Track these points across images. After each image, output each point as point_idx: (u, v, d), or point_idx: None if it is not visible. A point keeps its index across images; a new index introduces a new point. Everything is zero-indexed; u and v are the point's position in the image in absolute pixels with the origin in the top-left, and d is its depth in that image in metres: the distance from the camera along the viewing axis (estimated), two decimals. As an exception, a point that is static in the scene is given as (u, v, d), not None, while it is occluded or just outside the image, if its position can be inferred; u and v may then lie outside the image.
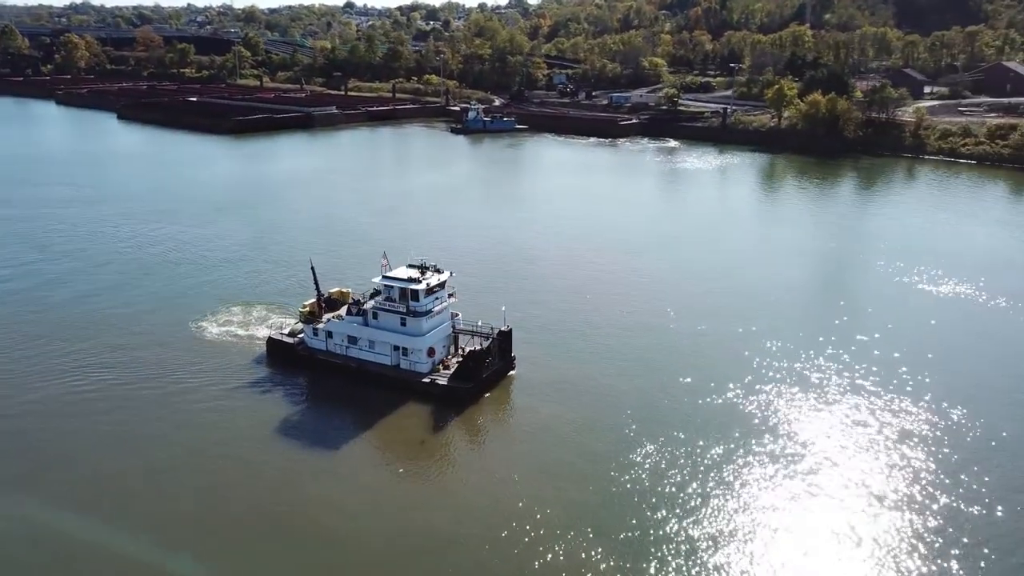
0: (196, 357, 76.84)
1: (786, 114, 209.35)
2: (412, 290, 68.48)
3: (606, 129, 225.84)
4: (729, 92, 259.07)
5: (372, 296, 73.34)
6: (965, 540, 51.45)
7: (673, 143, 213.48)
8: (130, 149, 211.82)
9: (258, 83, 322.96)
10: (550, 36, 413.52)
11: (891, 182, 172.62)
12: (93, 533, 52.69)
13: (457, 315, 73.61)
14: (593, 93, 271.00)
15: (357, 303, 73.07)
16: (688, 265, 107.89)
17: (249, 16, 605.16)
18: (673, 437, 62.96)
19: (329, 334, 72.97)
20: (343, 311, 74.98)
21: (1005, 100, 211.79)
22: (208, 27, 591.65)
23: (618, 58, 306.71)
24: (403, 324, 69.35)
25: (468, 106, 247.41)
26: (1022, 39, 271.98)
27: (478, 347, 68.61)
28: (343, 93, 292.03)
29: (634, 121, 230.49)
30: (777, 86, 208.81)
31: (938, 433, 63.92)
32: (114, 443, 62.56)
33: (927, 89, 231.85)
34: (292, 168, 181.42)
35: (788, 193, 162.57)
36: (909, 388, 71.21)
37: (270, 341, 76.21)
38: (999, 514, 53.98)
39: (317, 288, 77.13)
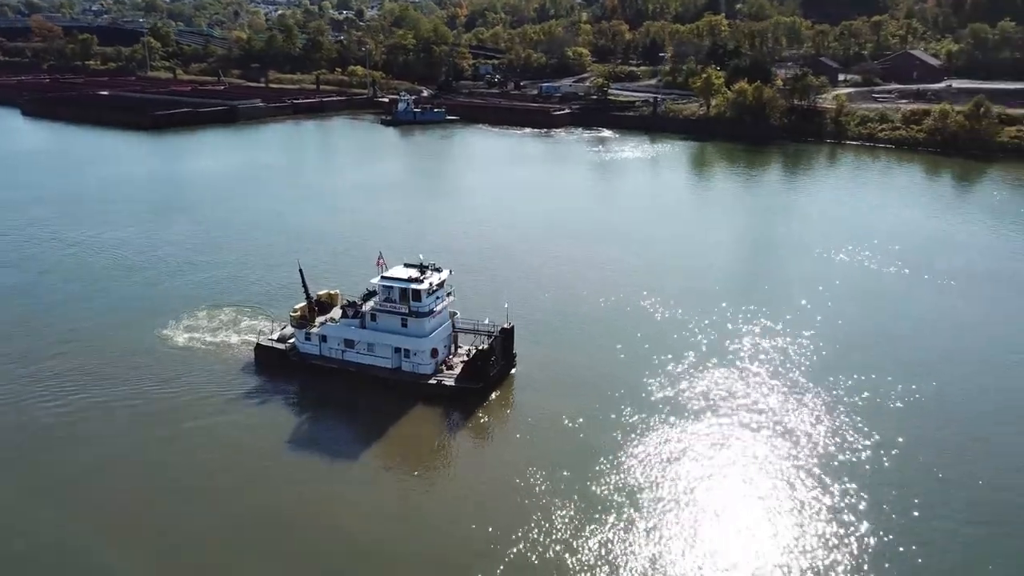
0: (174, 369, 73.46)
1: (714, 102, 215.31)
2: (414, 290, 67.09)
3: (540, 119, 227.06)
4: (654, 81, 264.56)
5: (366, 297, 71.71)
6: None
7: (607, 133, 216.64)
8: (42, 148, 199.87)
9: (171, 75, 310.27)
10: (468, 25, 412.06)
11: (816, 167, 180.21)
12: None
13: (456, 314, 72.82)
14: (521, 83, 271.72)
15: (353, 305, 71.13)
16: (654, 254, 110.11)
17: (150, 5, 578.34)
18: (685, 426, 64.67)
19: (323, 338, 70.93)
20: (334, 314, 73.24)
21: (914, 87, 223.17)
22: (105, 16, 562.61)
23: (541, 48, 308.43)
24: (404, 325, 67.99)
25: (398, 97, 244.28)
26: (923, 28, 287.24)
27: (480, 346, 67.81)
28: (264, 85, 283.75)
29: (567, 111, 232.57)
30: (705, 75, 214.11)
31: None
32: (107, 469, 59.38)
33: (840, 77, 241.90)
34: (224, 164, 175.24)
35: (727, 180, 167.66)
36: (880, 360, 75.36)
37: (259, 348, 73.57)
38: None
39: (306, 291, 74.87)
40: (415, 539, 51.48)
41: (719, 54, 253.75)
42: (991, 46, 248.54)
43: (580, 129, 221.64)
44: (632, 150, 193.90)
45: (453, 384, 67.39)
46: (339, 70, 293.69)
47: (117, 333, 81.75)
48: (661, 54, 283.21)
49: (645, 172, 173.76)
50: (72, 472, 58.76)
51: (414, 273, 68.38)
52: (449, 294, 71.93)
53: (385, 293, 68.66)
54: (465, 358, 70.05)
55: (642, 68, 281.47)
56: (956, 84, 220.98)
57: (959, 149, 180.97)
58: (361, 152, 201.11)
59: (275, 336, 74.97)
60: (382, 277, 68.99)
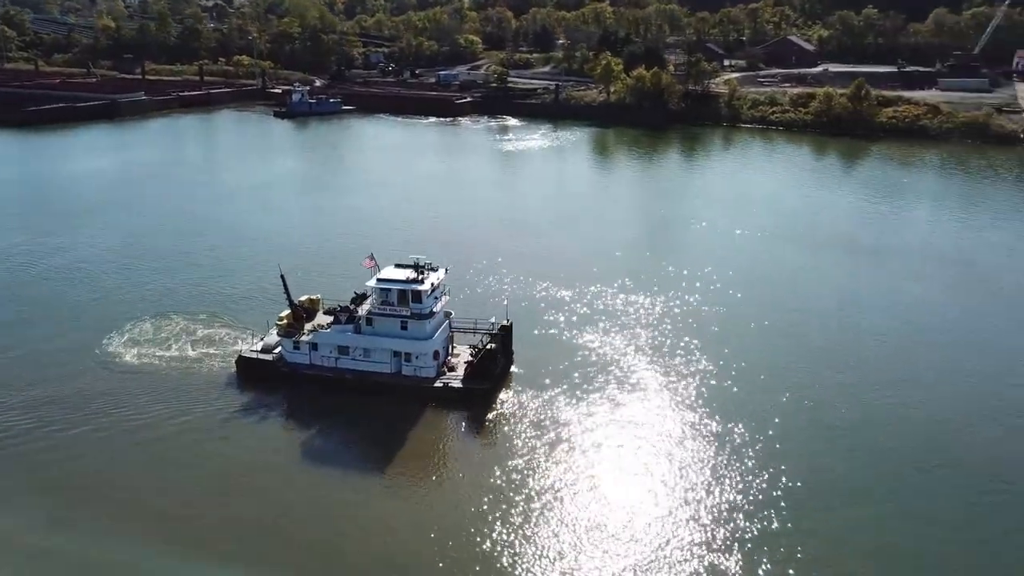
0: (141, 392, 68.55)
1: (613, 89, 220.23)
2: (414, 291, 65.13)
3: (443, 108, 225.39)
4: (547, 68, 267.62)
5: (356, 301, 69.14)
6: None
7: (512, 121, 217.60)
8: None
9: (33, 67, 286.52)
10: (348, 12, 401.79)
11: (714, 149, 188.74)
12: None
13: (451, 314, 71.34)
14: (417, 71, 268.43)
15: (347, 310, 68.16)
16: (599, 241, 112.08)
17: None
18: (695, 420, 66.80)
19: (314, 346, 67.87)
20: (321, 320, 70.41)
21: (795, 71, 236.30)
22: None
23: (426, 35, 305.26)
24: (404, 328, 65.80)
25: (291, 88, 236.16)
26: (795, 15, 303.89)
27: (488, 345, 66.77)
28: (141, 77, 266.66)
29: (468, 99, 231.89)
30: (605, 62, 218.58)
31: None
32: (103, 501, 55.64)
33: (726, 62, 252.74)
34: (118, 164, 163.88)
35: (636, 164, 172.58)
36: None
37: (241, 360, 69.74)
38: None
39: (289, 298, 71.68)
40: (440, 551, 50.45)
41: (611, 41, 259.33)
42: (857, 32, 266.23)
43: (485, 117, 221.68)
44: (541, 138, 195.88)
45: (460, 386, 66.12)
46: (223, 60, 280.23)
47: (57, 357, 75.17)
48: (561, 41, 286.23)
49: (558, 160, 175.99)
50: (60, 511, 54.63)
51: (410, 273, 66.39)
52: (445, 294, 70.44)
53: (382, 296, 66.28)
54: (468, 358, 68.76)
55: (535, 55, 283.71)
56: (832, 68, 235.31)
57: (844, 130, 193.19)
58: (263, 146, 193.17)
59: (258, 347, 71.19)
60: (378, 279, 66.54)
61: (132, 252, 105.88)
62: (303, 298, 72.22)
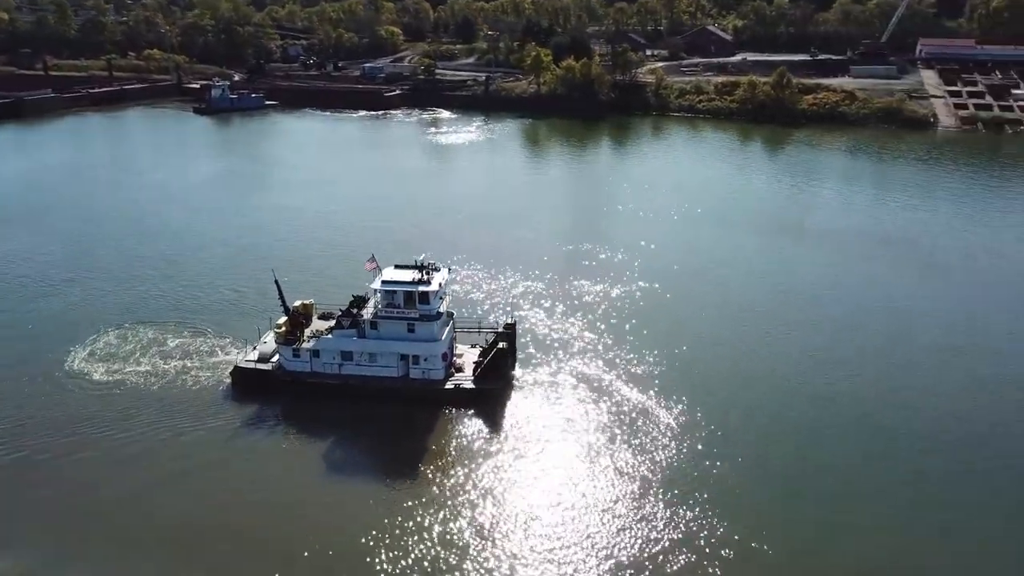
0: (129, 406, 65.54)
1: (543, 80, 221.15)
2: (421, 292, 64.03)
3: (372, 101, 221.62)
4: (472, 60, 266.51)
5: (355, 305, 67.42)
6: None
7: (445, 113, 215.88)
8: None
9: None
10: (258, 3, 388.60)
11: (646, 138, 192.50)
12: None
13: (452, 313, 70.33)
14: (340, 64, 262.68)
15: (349, 314, 66.29)
16: (557, 233, 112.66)
17: None
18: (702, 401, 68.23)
19: (316, 353, 65.85)
20: (318, 325, 68.40)
21: (715, 60, 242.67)
22: None
23: (345, 26, 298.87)
24: (411, 330, 64.65)
25: (210, 83, 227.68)
26: (710, 5, 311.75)
27: (484, 344, 66.47)
28: (43, 73, 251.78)
29: (397, 92, 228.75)
30: (535, 53, 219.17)
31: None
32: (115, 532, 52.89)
33: (648, 52, 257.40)
34: (35, 167, 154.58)
35: (575, 155, 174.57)
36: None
37: (237, 371, 67.15)
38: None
39: (284, 304, 69.30)
40: (475, 558, 50.18)
41: (535, 32, 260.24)
42: (769, 21, 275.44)
43: (416, 110, 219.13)
44: (477, 131, 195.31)
45: (472, 386, 65.48)
46: (132, 54, 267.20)
47: (17, 380, 70.31)
48: (490, 32, 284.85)
49: (501, 153, 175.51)
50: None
51: (413, 275, 65.24)
52: (448, 293, 69.63)
53: (387, 298, 64.89)
54: (474, 358, 68.32)
55: (459, 47, 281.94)
56: (750, 57, 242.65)
57: (768, 117, 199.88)
58: (188, 144, 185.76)
59: (253, 356, 68.62)
60: (383, 281, 65.09)
61: (75, 261, 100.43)
62: (296, 303, 69.84)
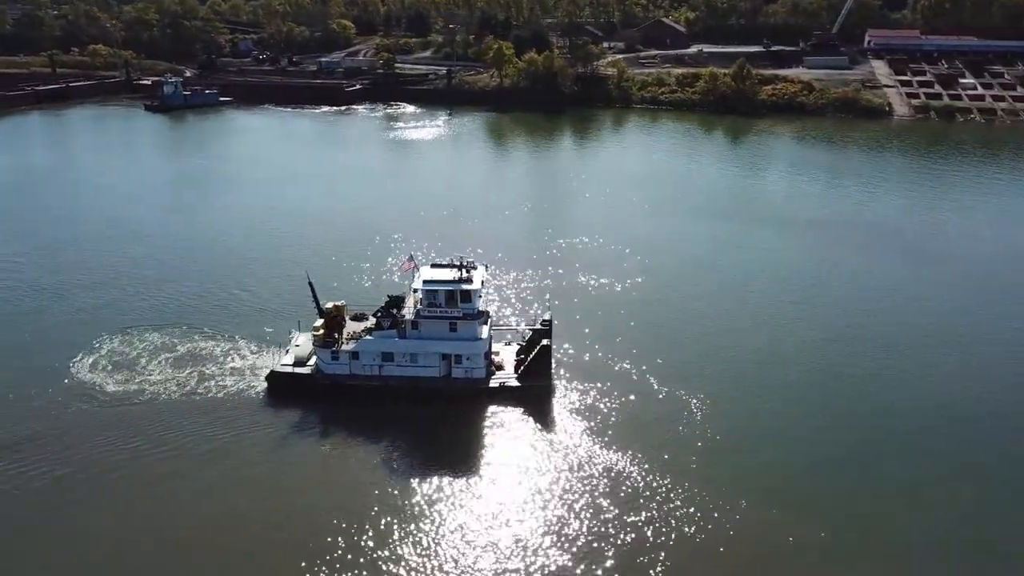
0: (153, 417, 62.89)
1: (505, 73, 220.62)
2: (463, 291, 63.19)
3: (332, 96, 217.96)
4: (428, 53, 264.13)
5: (391, 305, 66.31)
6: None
7: (408, 108, 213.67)
8: None
9: None
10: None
11: (613, 130, 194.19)
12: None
13: (488, 311, 69.43)
14: (295, 59, 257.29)
15: (390, 315, 65.14)
16: (564, 227, 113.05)
17: None
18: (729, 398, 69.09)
19: (355, 355, 64.57)
20: (352, 327, 67.14)
21: (672, 52, 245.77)
22: None
23: (288, 19, 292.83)
24: (453, 329, 63.95)
25: (162, 79, 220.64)
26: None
27: (521, 341, 66.02)
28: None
29: (357, 87, 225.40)
30: (497, 46, 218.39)
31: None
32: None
33: (605, 44, 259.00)
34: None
35: (553, 148, 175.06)
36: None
37: (274, 375, 65.48)
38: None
39: (318, 306, 67.73)
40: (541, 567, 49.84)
41: (491, 24, 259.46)
42: (721, 13, 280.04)
43: (379, 104, 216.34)
44: (444, 125, 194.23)
45: (518, 384, 65.03)
46: (76, 50, 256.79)
47: (22, 394, 66.64)
48: (450, 26, 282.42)
49: (472, 147, 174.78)
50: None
51: (452, 273, 64.63)
52: (484, 292, 68.99)
53: (429, 297, 63.98)
54: (514, 356, 68.12)
55: (413, 40, 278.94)
56: (706, 49, 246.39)
57: (729, 108, 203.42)
58: (144, 143, 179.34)
59: (289, 360, 66.92)
60: (425, 280, 64.20)
61: (54, 265, 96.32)
62: (328, 305, 68.24)
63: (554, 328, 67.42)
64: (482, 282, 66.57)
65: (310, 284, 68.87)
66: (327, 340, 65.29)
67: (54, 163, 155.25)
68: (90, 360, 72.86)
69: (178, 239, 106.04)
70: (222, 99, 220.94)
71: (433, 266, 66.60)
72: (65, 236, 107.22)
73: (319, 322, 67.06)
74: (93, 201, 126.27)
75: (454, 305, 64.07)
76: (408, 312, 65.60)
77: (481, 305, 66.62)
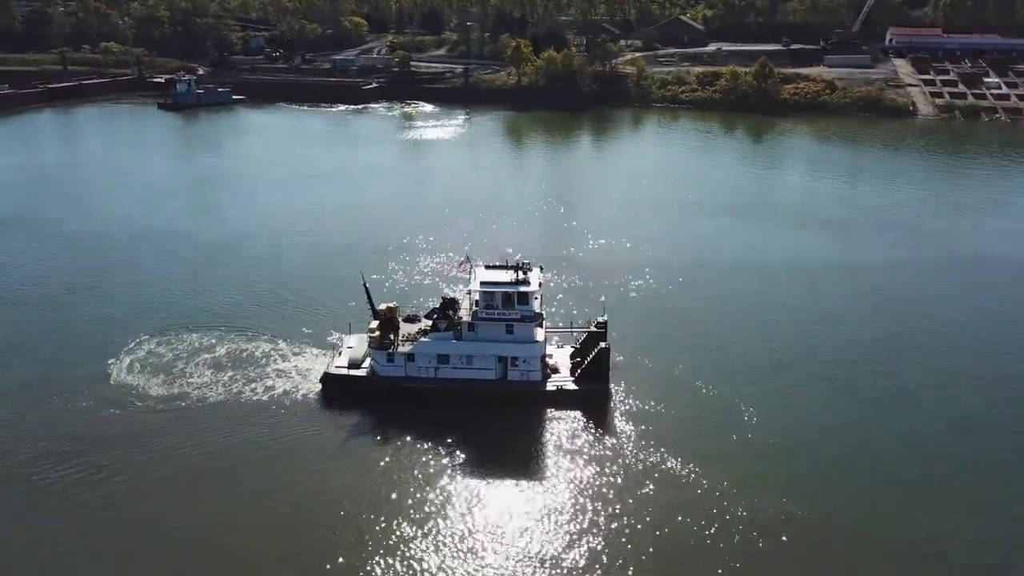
0: (205, 420, 60.96)
1: (523, 71, 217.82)
2: (521, 293, 61.78)
3: (348, 95, 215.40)
4: (442, 52, 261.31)
5: (446, 307, 64.72)
6: None
7: (426, 107, 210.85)
8: None
9: None
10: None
11: (636, 129, 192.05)
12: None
13: (542, 314, 67.35)
14: (307, 56, 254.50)
15: (446, 316, 63.59)
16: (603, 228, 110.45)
17: None
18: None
19: (411, 357, 62.99)
20: (407, 329, 65.42)
21: (690, 51, 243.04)
22: None
23: (298, 16, 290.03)
24: (510, 332, 62.38)
25: (176, 78, 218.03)
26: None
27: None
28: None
29: (374, 85, 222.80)
30: (515, 44, 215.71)
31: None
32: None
33: (623, 42, 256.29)
34: (7, 167, 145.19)
35: (577, 147, 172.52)
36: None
37: (329, 377, 63.84)
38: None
39: (373, 308, 66.13)
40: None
41: (507, 23, 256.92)
42: (738, 11, 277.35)
43: (396, 103, 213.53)
44: (463, 124, 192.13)
45: (576, 387, 63.50)
46: (86, 47, 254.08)
47: (68, 398, 64.53)
48: (468, 24, 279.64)
49: (497, 146, 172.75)
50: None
51: (509, 275, 63.19)
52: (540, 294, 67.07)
53: (487, 299, 62.45)
54: (568, 359, 66.77)
55: (427, 38, 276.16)
56: (724, 47, 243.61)
57: (751, 107, 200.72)
58: (164, 142, 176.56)
59: (343, 362, 65.14)
60: (483, 282, 62.75)
61: (85, 265, 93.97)
62: (381, 307, 66.28)
63: (619, 330, 65.61)
64: (539, 284, 64.87)
65: (365, 287, 67.42)
66: (383, 342, 63.74)
67: (71, 162, 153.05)
68: (127, 361, 70.91)
69: (205, 239, 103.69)
70: (235, 97, 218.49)
71: (488, 267, 65.41)
72: (92, 237, 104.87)
73: (374, 324, 65.37)
74: (115, 201, 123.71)
75: (511, 307, 62.88)
76: (464, 314, 64.09)
77: (537, 307, 64.70)
